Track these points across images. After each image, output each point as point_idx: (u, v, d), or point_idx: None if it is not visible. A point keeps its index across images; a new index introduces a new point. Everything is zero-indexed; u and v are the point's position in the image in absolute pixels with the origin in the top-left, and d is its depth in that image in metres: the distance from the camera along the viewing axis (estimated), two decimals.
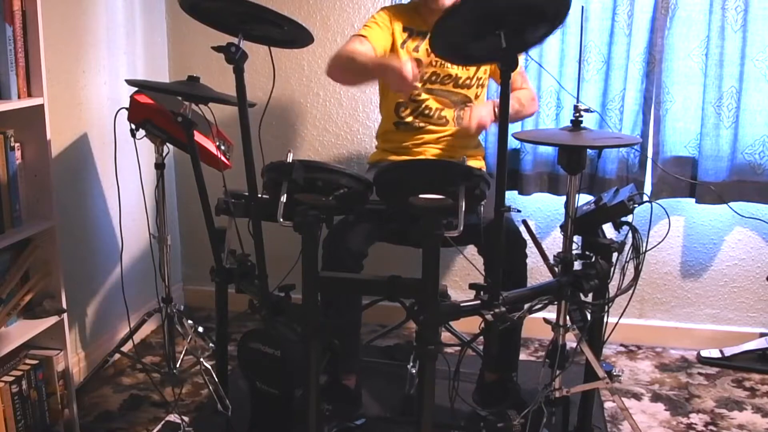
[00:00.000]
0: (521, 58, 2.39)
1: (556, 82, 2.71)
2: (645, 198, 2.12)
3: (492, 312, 1.72)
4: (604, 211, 1.91)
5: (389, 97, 2.46)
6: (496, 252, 1.80)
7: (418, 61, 2.33)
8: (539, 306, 1.83)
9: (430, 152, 2.41)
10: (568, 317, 1.93)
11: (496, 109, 2.24)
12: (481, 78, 2.43)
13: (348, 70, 2.23)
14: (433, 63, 2.38)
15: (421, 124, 2.41)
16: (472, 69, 2.39)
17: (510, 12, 1.60)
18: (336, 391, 2.23)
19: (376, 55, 2.26)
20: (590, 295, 1.94)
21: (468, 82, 2.41)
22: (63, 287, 2.13)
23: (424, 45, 2.37)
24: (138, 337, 2.81)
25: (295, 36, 1.84)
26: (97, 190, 2.66)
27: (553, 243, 2.90)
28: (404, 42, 2.38)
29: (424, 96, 2.39)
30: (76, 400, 2.24)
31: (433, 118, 2.41)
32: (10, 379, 2.00)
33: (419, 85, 2.34)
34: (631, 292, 1.91)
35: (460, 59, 2.05)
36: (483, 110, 2.27)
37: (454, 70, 2.38)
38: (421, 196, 1.56)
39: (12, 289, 2.03)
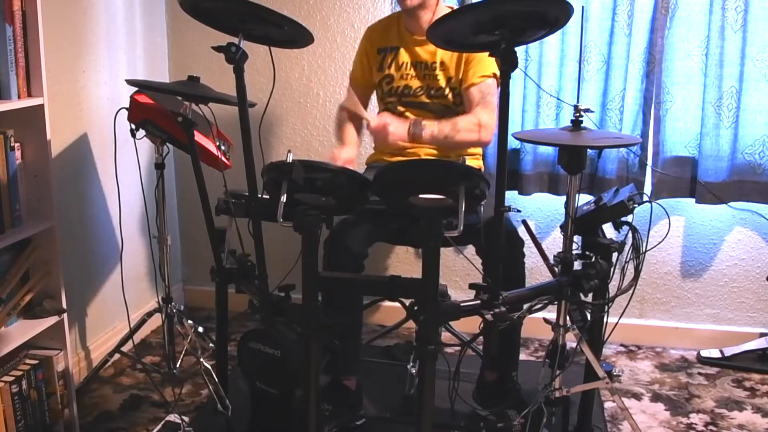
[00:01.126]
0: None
1: (555, 80, 2.72)
2: (645, 198, 2.12)
3: (492, 312, 1.72)
4: (604, 211, 1.91)
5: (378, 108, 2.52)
6: (494, 252, 1.80)
7: (389, 77, 2.40)
8: (539, 306, 1.84)
9: (425, 152, 2.41)
10: (568, 317, 1.93)
11: (423, 133, 2.22)
12: (456, 88, 2.36)
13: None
14: (404, 76, 2.38)
15: None
16: (443, 79, 2.35)
17: (512, 16, 1.60)
18: (336, 392, 2.23)
19: (345, 136, 2.46)
20: (590, 295, 1.94)
21: (443, 92, 2.37)
22: (63, 287, 2.13)
23: (395, 60, 2.40)
24: (138, 337, 2.81)
25: (295, 36, 1.84)
26: (97, 190, 2.65)
27: (553, 243, 2.90)
28: (380, 65, 2.43)
29: (400, 108, 2.40)
30: (76, 400, 2.24)
31: None
32: (10, 379, 2.00)
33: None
34: (631, 292, 1.91)
35: (456, 48, 2.05)
36: (395, 125, 2.23)
37: (427, 81, 2.37)
38: (421, 196, 1.56)
39: (12, 289, 2.03)
